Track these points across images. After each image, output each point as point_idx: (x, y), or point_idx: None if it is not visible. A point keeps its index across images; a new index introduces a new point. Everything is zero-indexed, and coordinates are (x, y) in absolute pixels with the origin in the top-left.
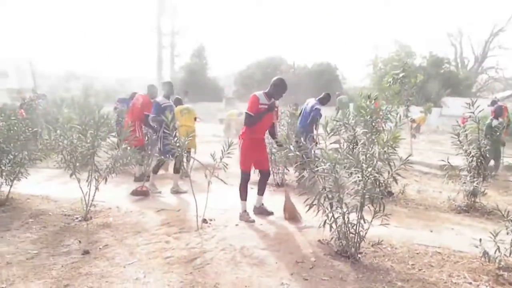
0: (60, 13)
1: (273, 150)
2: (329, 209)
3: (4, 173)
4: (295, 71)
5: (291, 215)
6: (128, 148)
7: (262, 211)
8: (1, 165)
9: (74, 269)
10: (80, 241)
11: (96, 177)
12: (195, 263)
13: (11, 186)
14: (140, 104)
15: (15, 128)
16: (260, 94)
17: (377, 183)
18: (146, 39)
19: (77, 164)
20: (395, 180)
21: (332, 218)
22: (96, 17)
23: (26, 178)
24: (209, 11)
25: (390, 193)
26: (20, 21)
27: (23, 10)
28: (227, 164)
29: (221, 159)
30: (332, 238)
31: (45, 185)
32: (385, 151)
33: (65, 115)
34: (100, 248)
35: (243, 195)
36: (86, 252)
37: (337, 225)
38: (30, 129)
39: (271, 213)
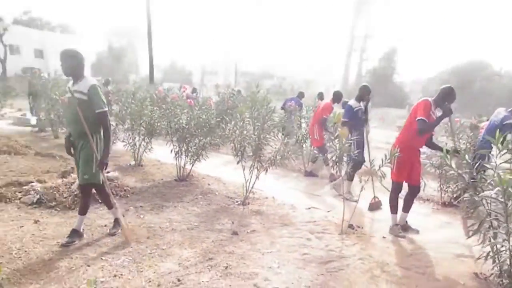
0: (261, 20)
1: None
2: (493, 239)
3: (189, 154)
4: (501, 78)
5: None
6: (289, 143)
7: (406, 228)
8: (189, 147)
9: (221, 246)
10: (233, 222)
11: (258, 167)
12: (330, 265)
13: (192, 165)
14: (322, 107)
15: (204, 116)
16: (432, 101)
17: None
18: (336, 42)
19: (244, 153)
20: None
21: (496, 251)
22: (293, 21)
23: (205, 160)
24: (403, 12)
25: None
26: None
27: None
28: (384, 174)
29: (379, 167)
30: (492, 274)
31: (221, 168)
32: None
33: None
34: (247, 232)
35: (393, 207)
36: (235, 233)
37: (500, 260)
38: (215, 118)
39: (416, 231)
